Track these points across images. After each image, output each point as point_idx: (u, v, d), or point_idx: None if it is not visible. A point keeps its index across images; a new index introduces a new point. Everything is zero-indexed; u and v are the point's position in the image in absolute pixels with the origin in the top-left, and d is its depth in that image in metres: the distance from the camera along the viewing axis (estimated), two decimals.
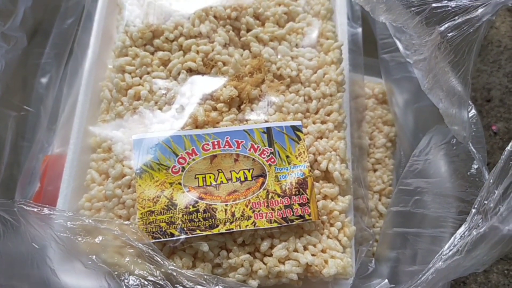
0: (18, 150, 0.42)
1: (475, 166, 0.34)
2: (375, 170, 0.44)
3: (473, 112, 0.31)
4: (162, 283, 0.27)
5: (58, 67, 0.45)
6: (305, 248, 0.33)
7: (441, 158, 0.37)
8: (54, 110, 0.44)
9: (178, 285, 0.27)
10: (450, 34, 0.28)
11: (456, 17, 0.27)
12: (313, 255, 0.33)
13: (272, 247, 0.33)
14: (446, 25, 0.28)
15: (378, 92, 0.47)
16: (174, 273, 0.28)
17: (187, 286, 0.27)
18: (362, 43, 0.43)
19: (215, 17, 0.38)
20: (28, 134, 0.43)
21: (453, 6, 0.27)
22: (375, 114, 0.46)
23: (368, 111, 0.46)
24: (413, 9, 0.29)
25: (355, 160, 0.38)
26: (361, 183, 0.37)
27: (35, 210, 0.29)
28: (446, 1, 0.27)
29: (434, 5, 0.28)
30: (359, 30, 0.43)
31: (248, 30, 0.38)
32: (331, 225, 0.34)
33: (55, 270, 0.30)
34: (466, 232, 0.25)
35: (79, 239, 0.29)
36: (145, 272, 0.28)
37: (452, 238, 0.25)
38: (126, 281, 0.28)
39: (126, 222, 0.31)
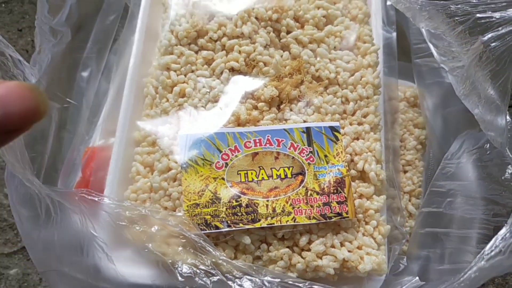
0: (60, 141, 0.44)
1: (510, 171, 0.35)
2: (405, 172, 0.45)
3: (509, 119, 0.32)
4: (213, 272, 0.28)
5: (99, 61, 0.46)
6: (342, 244, 0.34)
7: (474, 162, 0.38)
8: (95, 104, 0.46)
9: (227, 274, 0.29)
10: (493, 44, 0.29)
11: (500, 28, 0.28)
12: (349, 251, 0.34)
13: (310, 242, 0.34)
14: (490, 35, 0.29)
15: (410, 96, 0.48)
16: (224, 263, 0.29)
17: (236, 275, 0.29)
18: (396, 47, 0.44)
19: (256, 18, 0.39)
20: (70, 126, 0.45)
21: (497, 17, 0.28)
22: (406, 117, 0.47)
23: (399, 113, 0.47)
24: (456, 18, 0.30)
25: (388, 161, 0.39)
26: (394, 184, 0.39)
27: (96, 199, 0.30)
28: (490, 12, 0.28)
29: (478, 15, 0.29)
30: (394, 34, 0.44)
31: (288, 32, 0.40)
32: (367, 223, 0.36)
33: (112, 257, 0.32)
34: (508, 234, 0.26)
35: (137, 228, 0.31)
36: (196, 261, 0.30)
37: (494, 239, 0.27)
38: (179, 269, 0.29)
39: (179, 214, 0.33)
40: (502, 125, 0.31)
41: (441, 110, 0.45)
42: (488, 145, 0.37)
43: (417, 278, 0.35)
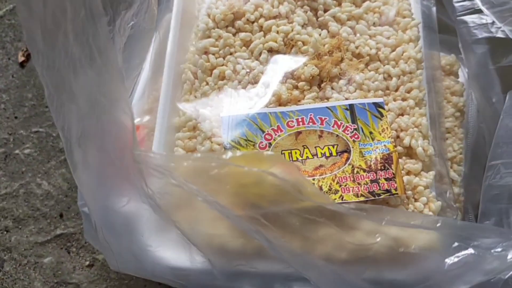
0: None
1: None
2: (445, 139, 0.44)
3: None
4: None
5: None
6: None
7: None
8: (129, 84, 0.46)
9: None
10: None
11: None
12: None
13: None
14: None
15: (445, 64, 0.47)
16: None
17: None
18: (436, 20, 0.42)
19: None
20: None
21: None
22: (443, 85, 0.46)
23: (437, 82, 0.46)
24: None
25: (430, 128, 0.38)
26: (436, 151, 0.38)
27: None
28: None
29: None
30: (434, 8, 0.43)
31: (325, 10, 0.39)
32: (416, 200, 0.35)
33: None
34: None
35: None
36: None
37: None
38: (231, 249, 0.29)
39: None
40: None
41: (486, 69, 0.43)
42: None
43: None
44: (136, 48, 0.33)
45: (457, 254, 0.28)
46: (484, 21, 0.42)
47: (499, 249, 0.25)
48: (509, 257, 0.25)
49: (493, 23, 0.40)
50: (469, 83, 0.47)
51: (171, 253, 0.33)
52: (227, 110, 0.36)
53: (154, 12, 0.30)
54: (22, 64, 0.57)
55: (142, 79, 0.46)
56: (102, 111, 0.22)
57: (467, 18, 0.43)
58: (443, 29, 0.47)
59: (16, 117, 0.55)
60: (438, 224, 0.27)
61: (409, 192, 0.34)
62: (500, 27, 0.39)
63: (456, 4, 0.44)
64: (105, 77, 0.21)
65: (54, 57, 0.19)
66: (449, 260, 0.27)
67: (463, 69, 0.48)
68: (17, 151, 0.53)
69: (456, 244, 0.30)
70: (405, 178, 0.34)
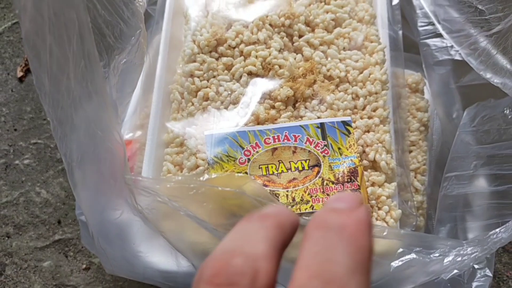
0: None
1: None
2: (410, 151, 0.49)
3: None
4: None
5: None
6: None
7: (492, 127, 0.41)
8: (122, 108, 0.49)
9: None
10: None
11: None
12: None
13: None
14: None
15: (412, 82, 0.51)
16: None
17: None
18: (402, 43, 0.47)
19: (270, 25, 0.43)
20: None
21: None
22: (409, 101, 0.50)
23: (403, 99, 0.50)
24: None
25: (395, 142, 0.42)
26: (400, 163, 0.42)
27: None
28: None
29: None
30: (400, 32, 0.47)
31: (300, 36, 0.43)
32: (379, 208, 0.39)
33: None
34: None
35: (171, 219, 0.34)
36: None
37: None
38: None
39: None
40: None
41: (449, 87, 0.48)
42: (508, 110, 0.41)
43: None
44: (127, 78, 0.37)
45: (401, 259, 0.32)
46: (444, 45, 0.47)
47: (437, 254, 0.30)
48: (445, 261, 0.29)
49: (452, 46, 0.45)
50: (433, 99, 0.51)
51: (159, 258, 0.37)
52: (211, 128, 0.40)
53: (143, 49, 0.34)
54: (21, 79, 0.61)
55: (134, 96, 0.49)
56: (99, 141, 0.26)
57: (430, 41, 0.48)
58: (413, 47, 0.51)
59: (15, 130, 0.58)
60: (384, 233, 0.31)
61: (373, 202, 0.39)
62: (458, 51, 0.44)
63: (420, 28, 0.48)
64: (101, 113, 0.25)
65: (59, 97, 0.22)
66: (395, 264, 0.31)
67: (428, 86, 0.52)
68: (17, 162, 0.57)
69: (400, 250, 0.34)
70: (370, 189, 0.39)
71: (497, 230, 0.30)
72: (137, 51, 0.32)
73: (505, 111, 0.43)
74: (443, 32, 0.45)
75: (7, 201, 0.55)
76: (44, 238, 0.54)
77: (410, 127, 0.48)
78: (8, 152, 0.57)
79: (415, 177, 0.47)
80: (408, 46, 0.51)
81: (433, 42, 0.47)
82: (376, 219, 0.38)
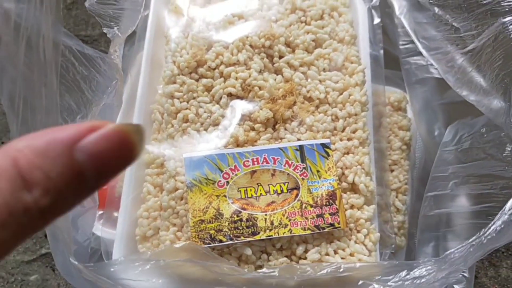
0: None
1: (509, 148, 0.39)
2: (392, 171, 0.49)
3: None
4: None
5: None
6: (335, 252, 0.38)
7: (471, 146, 0.41)
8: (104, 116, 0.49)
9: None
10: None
11: None
12: (342, 258, 0.38)
13: (306, 251, 0.38)
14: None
15: (394, 100, 0.52)
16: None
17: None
18: (383, 63, 0.47)
19: (251, 46, 0.43)
20: None
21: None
22: (391, 120, 0.50)
23: (384, 117, 0.50)
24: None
25: (376, 161, 0.43)
26: (381, 182, 0.42)
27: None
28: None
29: None
30: (381, 52, 0.47)
31: (280, 57, 0.43)
32: (358, 231, 0.39)
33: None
34: None
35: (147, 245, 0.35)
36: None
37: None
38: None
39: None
40: (502, 106, 0.35)
41: (430, 104, 0.48)
42: (484, 129, 0.41)
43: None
44: (107, 113, 0.37)
45: None
46: (425, 63, 0.47)
47: (396, 279, 0.30)
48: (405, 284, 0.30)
49: (432, 64, 0.45)
50: (415, 116, 0.52)
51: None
52: (190, 150, 0.40)
53: (121, 93, 0.33)
54: None
55: (119, 114, 0.49)
56: None
57: (411, 59, 0.48)
58: (397, 64, 0.51)
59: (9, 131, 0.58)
60: (341, 270, 0.31)
61: (352, 225, 0.39)
62: (436, 68, 0.44)
63: (402, 47, 0.48)
64: None
65: None
66: None
67: (410, 104, 0.52)
68: None
69: (360, 282, 0.34)
70: (349, 211, 0.39)
71: (454, 250, 0.31)
72: (115, 95, 0.32)
73: (482, 130, 0.43)
74: (422, 50, 0.45)
75: None
76: (31, 252, 0.54)
77: (392, 146, 0.48)
78: None
79: (396, 197, 0.47)
80: (392, 63, 0.51)
81: (414, 60, 0.48)
82: (355, 242, 0.39)
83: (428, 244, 0.42)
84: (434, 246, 0.42)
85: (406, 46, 0.50)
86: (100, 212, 0.47)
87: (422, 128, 0.50)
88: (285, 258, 0.37)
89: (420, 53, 0.48)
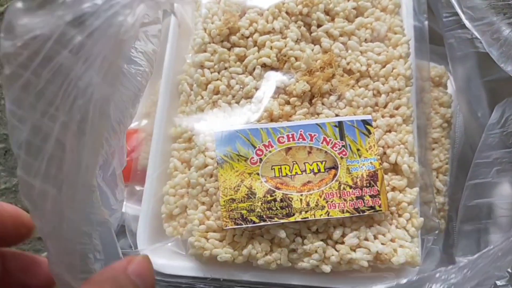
0: None
1: None
2: (432, 149, 0.46)
3: None
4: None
5: None
6: (375, 237, 0.35)
7: None
8: None
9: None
10: None
11: None
12: (382, 244, 0.35)
13: (344, 235, 0.35)
14: None
15: (435, 75, 0.48)
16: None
17: None
18: (428, 36, 0.43)
19: (287, 13, 0.40)
20: None
21: None
22: (431, 96, 0.47)
23: (425, 93, 0.47)
24: None
25: (417, 139, 0.40)
26: (422, 162, 0.39)
27: None
28: None
29: None
30: (425, 23, 0.44)
31: (318, 26, 0.40)
32: (400, 215, 0.36)
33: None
34: None
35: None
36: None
37: None
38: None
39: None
40: None
41: (476, 81, 0.45)
42: None
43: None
44: None
45: None
46: (469, 36, 0.43)
47: None
48: None
49: (477, 38, 0.41)
50: (457, 94, 0.48)
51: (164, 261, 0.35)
52: (221, 124, 0.37)
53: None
54: None
55: None
56: None
57: (455, 33, 0.44)
58: (438, 39, 0.48)
59: None
60: None
61: (393, 208, 0.36)
62: (481, 42, 0.40)
63: (445, 19, 0.44)
64: None
65: None
66: None
67: (452, 80, 0.49)
68: None
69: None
70: (390, 194, 0.36)
71: (447, 268, 0.28)
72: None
73: None
74: (465, 21, 0.41)
75: (5, 188, 0.53)
76: None
77: (432, 123, 0.45)
78: (8, 136, 0.55)
79: (436, 177, 0.44)
80: (432, 37, 0.48)
81: (458, 33, 0.44)
82: (396, 227, 0.36)
83: (469, 237, 0.39)
84: (475, 240, 0.39)
85: (450, 18, 0.46)
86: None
87: (464, 106, 0.47)
88: (321, 242, 0.35)
89: (464, 26, 0.44)
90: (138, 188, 0.42)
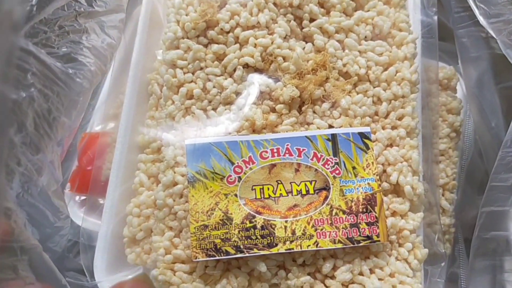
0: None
1: None
2: (437, 162, 0.40)
3: None
4: None
5: None
6: (372, 272, 0.30)
7: None
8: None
9: None
10: None
11: None
12: (380, 279, 0.30)
13: (335, 268, 0.30)
14: None
15: (443, 77, 0.43)
16: None
17: None
18: (437, 33, 0.38)
19: (275, 4, 0.34)
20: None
21: None
22: (438, 101, 0.42)
23: (432, 97, 0.41)
24: None
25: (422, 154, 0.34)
26: (426, 177, 0.34)
27: None
28: None
29: None
30: (435, 18, 0.38)
31: (311, 20, 0.34)
32: (400, 245, 0.31)
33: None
34: None
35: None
36: None
37: None
38: None
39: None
40: None
41: (491, 87, 0.39)
42: None
43: None
44: None
45: None
46: (483, 35, 0.38)
47: None
48: None
49: (492, 37, 0.36)
50: (467, 99, 0.43)
51: None
52: (194, 135, 0.32)
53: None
54: None
55: (108, 79, 0.41)
56: None
57: (467, 30, 0.39)
58: (447, 34, 0.42)
59: None
60: None
61: (393, 237, 0.31)
62: (497, 42, 0.35)
63: (456, 15, 0.39)
64: None
65: None
66: None
67: (462, 83, 0.43)
68: None
69: None
70: (390, 220, 0.31)
71: None
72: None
73: None
74: (480, 17, 0.36)
75: None
76: None
77: (438, 133, 0.40)
78: None
79: (443, 195, 0.39)
80: (441, 32, 0.42)
81: (471, 31, 0.38)
82: (396, 258, 0.31)
83: (483, 274, 0.34)
84: (490, 279, 0.34)
85: (462, 14, 0.40)
86: (82, 197, 0.40)
87: (475, 114, 0.41)
88: (308, 277, 0.30)
89: (478, 23, 0.38)
90: (102, 201, 0.37)
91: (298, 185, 0.30)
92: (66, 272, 0.37)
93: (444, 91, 0.42)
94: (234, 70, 0.33)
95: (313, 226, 0.29)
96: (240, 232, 0.29)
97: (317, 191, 0.30)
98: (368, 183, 0.31)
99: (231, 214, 0.29)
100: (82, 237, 0.33)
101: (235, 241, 0.29)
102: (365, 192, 0.30)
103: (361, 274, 0.30)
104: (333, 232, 0.30)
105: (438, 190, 0.38)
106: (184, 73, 0.33)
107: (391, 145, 0.33)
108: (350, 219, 0.30)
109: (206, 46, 0.33)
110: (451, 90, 0.42)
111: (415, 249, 0.31)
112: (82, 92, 0.23)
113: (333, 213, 0.30)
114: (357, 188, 0.30)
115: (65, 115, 0.23)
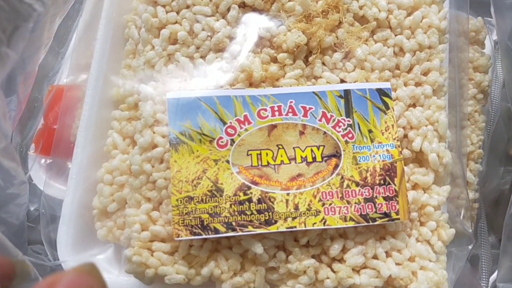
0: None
1: None
2: (463, 127, 0.35)
3: None
4: None
5: None
6: (388, 255, 0.26)
7: None
8: (62, 30, 0.36)
9: None
10: None
11: None
12: (397, 264, 0.25)
13: (344, 250, 0.25)
14: None
15: (470, 30, 0.37)
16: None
17: None
18: None
19: None
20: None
21: None
22: (464, 56, 0.36)
23: (458, 52, 0.36)
24: None
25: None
26: (451, 145, 0.29)
27: None
28: None
29: None
30: None
31: None
32: (422, 224, 0.26)
33: None
34: None
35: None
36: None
37: None
38: None
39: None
40: None
41: None
42: None
43: None
44: None
45: None
46: None
47: None
48: None
49: None
50: (496, 55, 0.37)
51: None
52: (178, 88, 0.26)
53: None
54: None
55: (80, 24, 0.35)
56: None
57: None
58: None
59: None
60: None
61: (414, 214, 0.26)
62: None
63: None
64: None
65: None
66: None
67: (491, 37, 0.38)
68: None
69: None
70: (411, 194, 0.26)
71: None
72: None
73: None
74: None
75: None
76: None
77: (463, 94, 0.35)
78: None
79: (467, 165, 0.34)
80: None
81: None
82: (417, 239, 0.26)
83: None
84: None
85: None
86: (49, 160, 0.34)
87: (508, 72, 0.36)
88: (312, 260, 0.25)
89: None
90: (69, 164, 0.31)
91: (303, 151, 0.25)
92: (32, 247, 0.32)
93: (471, 46, 0.37)
94: (228, 9, 0.28)
95: (320, 200, 0.24)
96: (232, 206, 0.24)
97: (325, 159, 0.25)
98: (387, 150, 0.26)
99: (222, 184, 0.24)
100: (43, 207, 0.28)
101: (225, 216, 0.24)
102: (383, 161, 0.25)
103: (375, 257, 0.25)
104: (343, 207, 0.25)
105: (464, 159, 0.33)
106: (167, 12, 0.28)
107: (414, 105, 0.28)
108: (364, 192, 0.25)
109: None
110: (479, 45, 0.37)
111: (439, 228, 0.26)
112: (32, 18, 0.17)
113: (344, 185, 0.25)
114: (374, 156, 0.25)
115: (9, 46, 0.17)
